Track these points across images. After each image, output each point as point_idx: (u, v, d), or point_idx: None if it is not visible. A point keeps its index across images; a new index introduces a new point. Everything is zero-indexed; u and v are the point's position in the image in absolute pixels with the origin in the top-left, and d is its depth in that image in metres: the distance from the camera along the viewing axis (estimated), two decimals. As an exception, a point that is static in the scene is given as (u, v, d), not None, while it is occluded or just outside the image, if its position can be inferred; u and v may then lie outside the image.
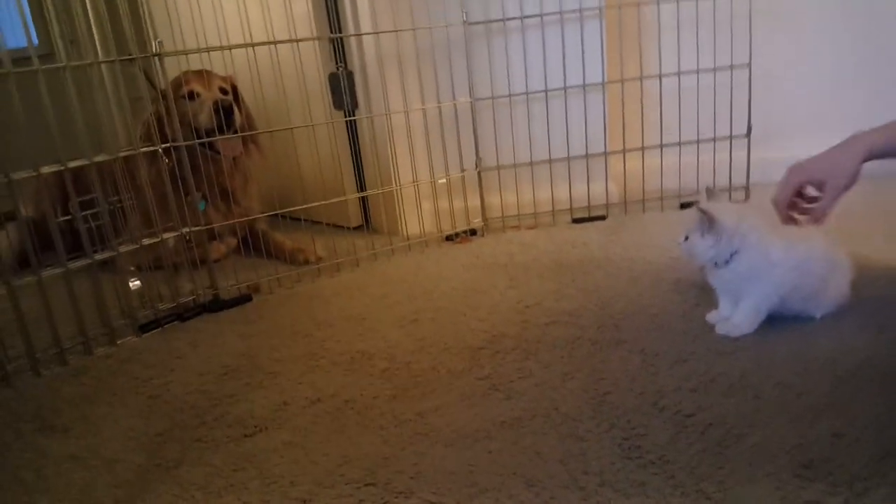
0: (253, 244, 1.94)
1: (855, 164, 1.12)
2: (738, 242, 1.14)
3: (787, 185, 1.18)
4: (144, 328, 1.51)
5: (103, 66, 1.43)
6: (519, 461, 0.90)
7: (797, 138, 2.13)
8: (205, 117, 1.80)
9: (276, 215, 1.82)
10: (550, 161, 1.97)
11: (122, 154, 1.47)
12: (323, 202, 1.81)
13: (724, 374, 1.06)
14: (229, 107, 1.78)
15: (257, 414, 1.11)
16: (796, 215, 1.20)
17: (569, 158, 1.96)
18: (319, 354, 1.30)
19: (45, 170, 1.35)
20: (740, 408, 0.96)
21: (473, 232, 1.97)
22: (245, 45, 1.63)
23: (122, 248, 1.48)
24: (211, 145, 1.82)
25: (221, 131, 1.79)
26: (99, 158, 1.42)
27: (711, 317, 1.24)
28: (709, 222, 1.13)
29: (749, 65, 1.88)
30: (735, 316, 1.19)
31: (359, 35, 1.88)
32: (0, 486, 0.99)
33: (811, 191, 1.19)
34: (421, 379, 1.16)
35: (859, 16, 2.05)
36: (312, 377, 1.21)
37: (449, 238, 1.95)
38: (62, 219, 1.41)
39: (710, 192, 1.22)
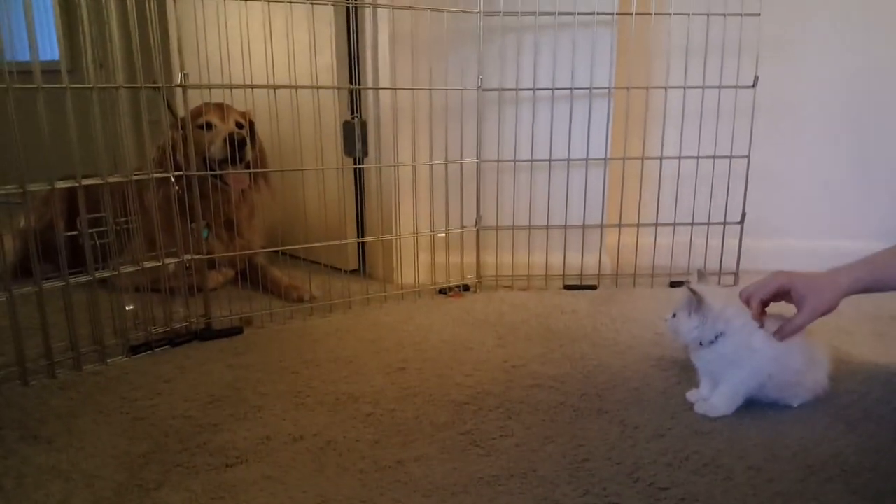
0: (250, 277, 1.97)
1: (837, 296, 1.16)
2: (722, 325, 1.18)
3: (767, 285, 1.21)
4: (135, 349, 1.52)
5: (124, 91, 1.48)
6: (493, 518, 0.92)
7: (788, 231, 2.22)
8: (217, 148, 1.85)
9: (277, 251, 1.86)
10: (548, 227, 2.03)
11: (136, 177, 1.51)
12: (323, 243, 1.85)
13: (698, 452, 1.08)
14: (242, 140, 1.84)
15: (239, 445, 1.12)
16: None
17: (566, 227, 2.02)
18: (305, 393, 1.32)
19: (60, 184, 1.38)
20: (712, 487, 0.99)
21: (467, 287, 2.01)
22: (268, 87, 1.70)
23: (124, 269, 1.50)
24: (221, 177, 1.87)
25: (233, 163, 1.84)
26: (113, 179, 1.46)
27: (691, 395, 1.27)
28: (697, 303, 1.17)
29: (748, 156, 1.96)
30: (714, 397, 1.22)
31: (377, 89, 1.96)
32: (-22, 491, 1.00)
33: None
34: (403, 427, 1.18)
35: (857, 122, 2.15)
36: (296, 414, 1.23)
37: (442, 291, 1.99)
38: (67, 233, 1.43)
39: (701, 275, 1.27)
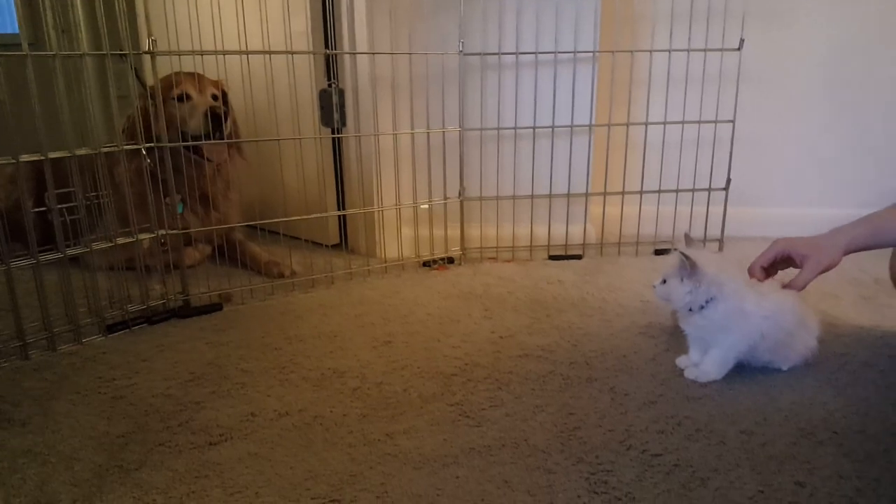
0: (228, 253, 1.92)
1: (838, 252, 1.18)
2: (714, 290, 1.16)
3: (770, 251, 1.23)
4: (111, 328, 1.47)
5: (91, 60, 1.42)
6: (486, 489, 0.90)
7: (773, 199, 2.22)
8: (196, 122, 1.79)
9: (255, 227, 1.81)
10: (532, 197, 2.00)
11: (105, 150, 1.45)
12: (303, 217, 1.81)
13: (690, 418, 1.07)
14: (223, 115, 1.78)
15: (223, 423, 1.09)
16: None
17: (550, 196, 2.00)
18: (289, 369, 1.29)
19: (25, 158, 1.32)
20: (705, 452, 0.98)
21: (451, 260, 1.98)
22: (240, 52, 1.63)
23: (96, 246, 1.45)
24: (196, 149, 1.81)
25: (210, 138, 1.78)
26: (81, 152, 1.40)
27: (681, 361, 1.26)
28: (689, 268, 1.15)
29: (733, 121, 1.94)
30: (704, 362, 1.21)
31: (354, 54, 1.90)
32: (-51, 477, 0.96)
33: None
34: (392, 401, 1.15)
35: (841, 91, 2.14)
36: (281, 391, 1.20)
37: (426, 264, 1.96)
38: (35, 210, 1.38)
39: (689, 239, 1.25)
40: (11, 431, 1.07)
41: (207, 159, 1.83)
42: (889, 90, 2.12)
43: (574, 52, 1.91)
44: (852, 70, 2.12)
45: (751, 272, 1.23)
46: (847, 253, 1.18)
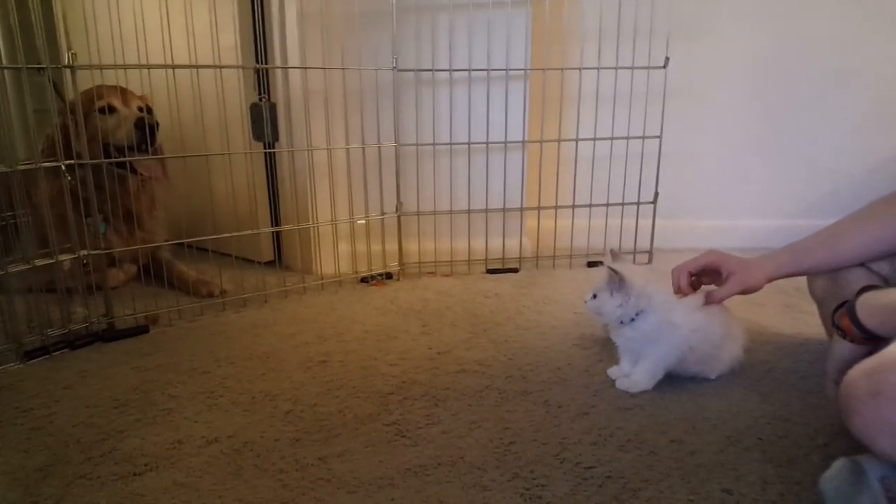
0: (154, 273, 1.85)
1: (763, 277, 1.22)
2: (644, 303, 1.19)
3: (701, 259, 1.25)
4: (30, 354, 1.40)
5: (9, 74, 1.36)
6: (422, 510, 0.89)
7: (701, 211, 2.30)
8: (124, 133, 1.73)
9: (183, 244, 1.76)
10: (469, 212, 2.01)
11: (22, 167, 1.38)
12: (234, 234, 1.76)
13: (622, 428, 1.09)
14: (154, 125, 1.72)
15: (148, 451, 1.04)
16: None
17: (487, 211, 2.01)
18: (218, 393, 1.25)
19: (-65, 176, 1.25)
20: (636, 463, 1.00)
21: (389, 276, 1.97)
22: (166, 66, 1.59)
23: (13, 268, 1.38)
24: (123, 164, 1.74)
25: (140, 150, 1.72)
26: (-5, 169, 1.33)
27: (613, 372, 1.28)
28: (619, 282, 1.18)
29: (660, 136, 2.00)
30: (635, 373, 1.23)
31: (286, 68, 1.88)
32: None
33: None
34: (326, 423, 1.13)
35: (766, 101, 2.24)
36: (210, 416, 1.16)
37: (364, 280, 1.94)
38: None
39: (615, 254, 1.27)
40: (-86, 470, 1.00)
41: (140, 174, 1.77)
42: (808, 103, 2.24)
43: (506, 70, 1.94)
44: (773, 83, 2.22)
45: (676, 274, 1.25)
46: (771, 279, 1.22)
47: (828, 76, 2.21)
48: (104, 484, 0.96)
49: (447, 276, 1.99)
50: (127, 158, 1.73)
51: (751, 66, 2.21)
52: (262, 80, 1.90)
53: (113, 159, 1.70)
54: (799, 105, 2.24)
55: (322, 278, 1.92)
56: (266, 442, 1.07)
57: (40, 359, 1.41)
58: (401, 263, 2.00)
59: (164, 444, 1.07)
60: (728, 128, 2.26)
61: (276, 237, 2.13)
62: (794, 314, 1.62)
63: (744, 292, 1.22)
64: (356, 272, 1.96)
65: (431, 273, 2.01)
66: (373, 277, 1.95)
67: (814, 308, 1.35)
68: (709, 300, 1.22)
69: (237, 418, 1.15)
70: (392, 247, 2.00)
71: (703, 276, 1.28)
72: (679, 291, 1.24)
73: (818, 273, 1.26)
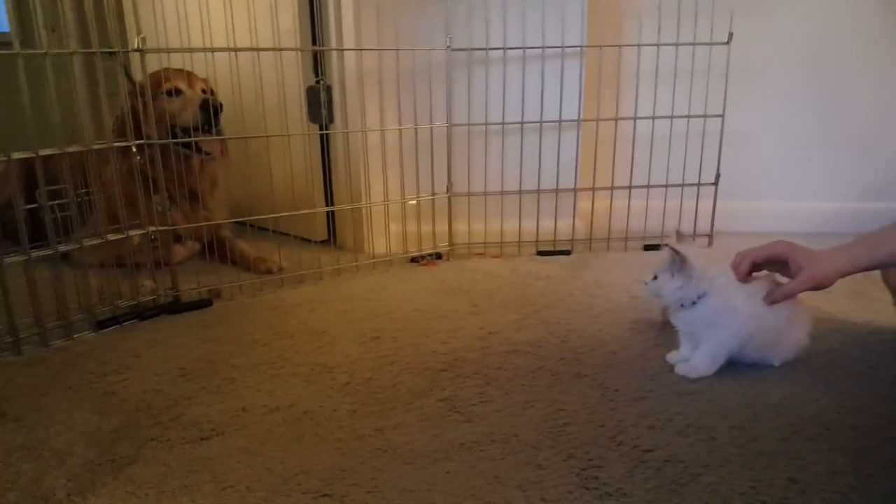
0: (216, 250, 1.91)
1: (835, 272, 1.13)
2: (705, 286, 1.17)
3: (768, 248, 1.18)
4: (102, 324, 1.47)
5: (78, 58, 1.41)
6: (476, 484, 0.91)
7: (761, 192, 2.23)
8: (190, 114, 1.78)
9: (243, 223, 1.80)
10: (521, 192, 2.00)
11: (96, 147, 1.44)
12: (290, 213, 1.80)
13: (680, 413, 1.08)
14: (218, 106, 1.77)
15: (214, 418, 1.08)
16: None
17: (539, 191, 2.00)
18: (278, 364, 1.28)
19: (16, 155, 1.31)
20: (696, 448, 0.98)
21: (439, 256, 1.99)
22: (228, 49, 1.62)
23: (87, 242, 1.44)
24: (188, 145, 1.80)
25: (204, 131, 1.77)
26: (72, 149, 1.39)
27: (671, 357, 1.26)
28: (680, 263, 1.16)
29: (722, 115, 1.95)
30: (694, 358, 1.21)
31: (341, 50, 1.90)
32: (-57, 473, 0.95)
33: (778, 277, 1.21)
34: (381, 396, 1.15)
35: (827, 83, 2.16)
36: (271, 386, 1.20)
37: (414, 260, 1.96)
38: (27, 207, 1.37)
39: (680, 235, 1.25)
40: (5, 427, 1.07)
41: (206, 152, 1.82)
42: (874, 82, 2.14)
43: (562, 48, 1.91)
44: (838, 62, 2.13)
45: (738, 259, 1.19)
46: (844, 274, 1.13)
47: (892, 56, 2.11)
48: (173, 446, 1.01)
49: (496, 257, 1.99)
50: (192, 139, 1.78)
51: (816, 43, 2.12)
52: (318, 62, 1.93)
53: (179, 139, 1.75)
54: (864, 84, 2.15)
55: (374, 257, 1.95)
56: (325, 412, 1.10)
57: (111, 328, 1.47)
58: (450, 244, 2.01)
59: (229, 411, 1.11)
60: (791, 107, 2.18)
61: (330, 217, 2.16)
62: (864, 301, 1.56)
63: (814, 289, 1.14)
64: (406, 252, 1.98)
65: (480, 254, 2.01)
66: (422, 257, 1.96)
67: (885, 295, 1.31)
68: (775, 297, 1.16)
69: (296, 389, 1.18)
70: (442, 227, 2.01)
71: (769, 267, 1.22)
72: (737, 276, 1.19)
73: (894, 265, 1.19)
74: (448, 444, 1.00)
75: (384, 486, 0.90)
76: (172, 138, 1.72)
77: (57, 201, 1.37)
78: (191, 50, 1.60)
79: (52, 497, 0.89)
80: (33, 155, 1.32)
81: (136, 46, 1.50)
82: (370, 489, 0.90)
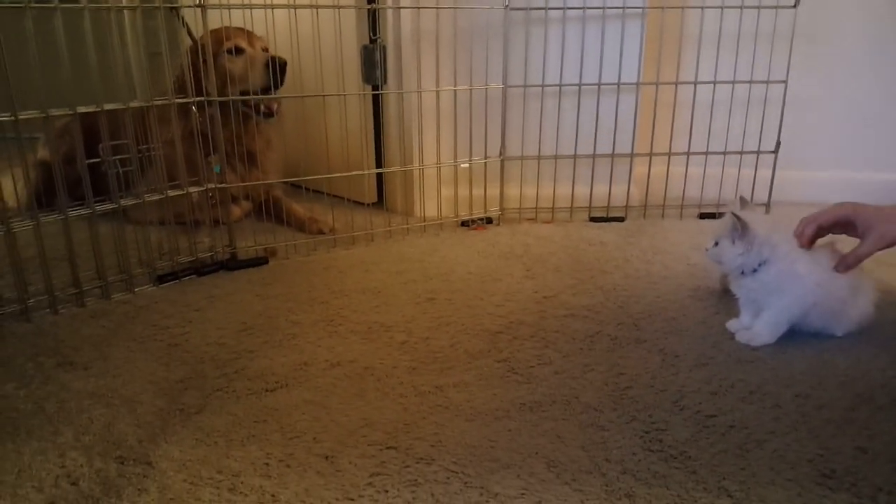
0: (270, 210, 1.93)
1: None
2: (767, 253, 1.14)
3: (832, 211, 1.15)
4: (162, 279, 1.50)
5: (140, 13, 1.42)
6: (539, 443, 0.91)
7: (821, 162, 2.16)
8: (258, 73, 1.78)
9: (296, 185, 1.81)
10: (575, 157, 1.97)
11: (157, 102, 1.46)
12: (342, 174, 1.81)
13: (743, 380, 1.07)
14: (284, 64, 1.77)
15: (277, 371, 1.11)
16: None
17: (594, 156, 1.97)
18: (337, 321, 1.30)
19: (81, 109, 1.33)
20: (760, 414, 0.97)
21: (489, 220, 1.97)
22: (288, 7, 1.62)
23: (148, 198, 1.47)
24: (248, 104, 1.80)
25: (265, 91, 1.78)
26: (134, 104, 1.41)
27: (732, 325, 1.24)
28: (742, 229, 1.13)
29: (786, 81, 1.88)
30: (756, 325, 1.19)
31: (398, 8, 1.87)
32: (24, 414, 0.99)
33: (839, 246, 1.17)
34: (440, 355, 1.16)
35: (892, 52, 2.06)
36: (331, 342, 1.21)
37: (464, 224, 1.95)
38: (89, 161, 1.39)
39: (744, 201, 1.23)
40: (75, 374, 1.11)
41: (265, 112, 1.83)
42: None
43: (623, 8, 1.86)
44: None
45: (802, 225, 1.15)
46: None
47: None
48: (240, 397, 1.03)
49: (548, 222, 1.97)
50: (252, 97, 1.78)
51: (883, 8, 2.02)
52: (374, 20, 1.91)
53: (239, 97, 1.76)
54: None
55: (424, 220, 1.95)
56: (385, 368, 1.11)
57: (171, 283, 1.51)
58: (501, 208, 2.00)
59: (291, 364, 1.13)
60: (856, 74, 2.09)
61: (380, 179, 2.16)
62: (930, 274, 1.51)
63: (887, 247, 1.10)
64: (457, 216, 1.97)
65: (531, 219, 2.00)
66: (473, 221, 1.96)
67: (956, 267, 1.26)
68: (847, 262, 1.12)
69: (356, 346, 1.20)
70: (493, 191, 1.99)
71: (836, 230, 1.17)
72: (801, 243, 1.16)
73: None
74: (509, 404, 1.01)
75: (448, 441, 0.91)
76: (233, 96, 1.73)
77: (118, 156, 1.39)
78: (251, 6, 1.60)
79: (124, 442, 0.92)
80: (98, 109, 1.34)
81: (197, 2, 1.50)
82: (434, 443, 0.91)
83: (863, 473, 0.84)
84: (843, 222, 1.15)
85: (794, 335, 1.19)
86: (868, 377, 1.07)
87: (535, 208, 2.01)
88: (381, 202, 2.19)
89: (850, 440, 0.90)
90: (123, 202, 1.42)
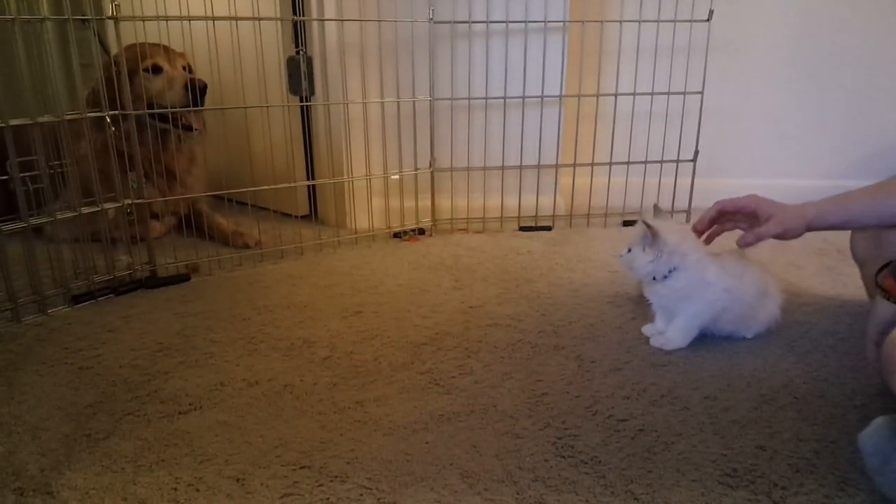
0: (194, 224, 1.89)
1: (802, 221, 1.14)
2: (677, 260, 1.18)
3: (738, 200, 1.21)
4: (77, 299, 1.45)
5: (53, 27, 1.37)
6: (455, 454, 0.92)
7: (740, 170, 2.25)
8: (176, 95, 1.75)
9: (222, 198, 1.78)
10: (503, 168, 2.00)
11: (68, 117, 1.41)
12: (269, 187, 1.79)
13: (655, 384, 1.10)
14: (205, 87, 1.74)
15: (192, 392, 1.08)
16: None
17: (521, 167, 2.00)
18: (258, 339, 1.28)
19: (-18, 124, 1.28)
20: (669, 417, 1.00)
21: (422, 231, 1.98)
22: (206, 18, 1.59)
23: (60, 216, 1.42)
24: (165, 118, 1.76)
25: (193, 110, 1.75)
26: (43, 119, 1.36)
27: (647, 329, 1.28)
28: (652, 237, 1.17)
29: (702, 92, 1.95)
30: (669, 330, 1.23)
31: (322, 20, 1.87)
32: None
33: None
34: (362, 369, 1.16)
35: (807, 62, 2.17)
36: (250, 360, 1.19)
37: (396, 235, 1.96)
38: (-1, 178, 1.34)
39: (658, 210, 1.27)
40: (-25, 403, 1.06)
41: (185, 127, 1.79)
42: (853, 60, 2.16)
43: (544, 22, 1.90)
44: (818, 40, 2.15)
45: (708, 215, 1.22)
46: (812, 227, 1.15)
47: (874, 33, 2.12)
48: (151, 421, 1.00)
49: (479, 232, 2.00)
50: (170, 110, 1.75)
51: (795, 21, 2.13)
52: (299, 32, 1.90)
53: (156, 110, 1.72)
54: (843, 63, 2.16)
55: (356, 233, 1.94)
56: (305, 385, 1.10)
57: (86, 303, 1.46)
58: (433, 219, 2.01)
59: (207, 385, 1.10)
60: (770, 85, 2.20)
61: (311, 191, 2.15)
62: (834, 276, 1.59)
63: (782, 236, 1.15)
64: (389, 227, 1.97)
65: (463, 230, 2.02)
66: (405, 233, 1.96)
67: (854, 270, 1.33)
68: (746, 239, 1.17)
69: (276, 363, 1.18)
70: (425, 203, 2.00)
71: (739, 220, 1.23)
72: (696, 229, 1.22)
73: (861, 227, 1.20)
74: (428, 416, 1.01)
75: (364, 457, 0.91)
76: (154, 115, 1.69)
77: (28, 173, 1.34)
78: (167, 18, 1.56)
79: (24, 472, 0.89)
80: (2, 125, 1.29)
81: (110, 14, 1.46)
82: (349, 460, 0.90)
83: (761, 471, 0.87)
84: (745, 211, 1.21)
85: (706, 339, 1.24)
86: (773, 378, 1.12)
87: (467, 219, 2.03)
88: (313, 214, 2.17)
89: (752, 439, 0.94)
90: (33, 221, 1.37)
